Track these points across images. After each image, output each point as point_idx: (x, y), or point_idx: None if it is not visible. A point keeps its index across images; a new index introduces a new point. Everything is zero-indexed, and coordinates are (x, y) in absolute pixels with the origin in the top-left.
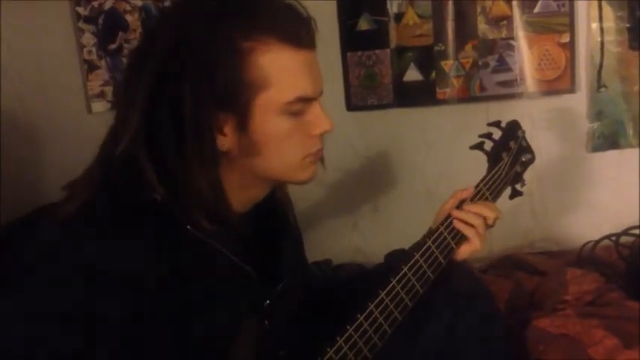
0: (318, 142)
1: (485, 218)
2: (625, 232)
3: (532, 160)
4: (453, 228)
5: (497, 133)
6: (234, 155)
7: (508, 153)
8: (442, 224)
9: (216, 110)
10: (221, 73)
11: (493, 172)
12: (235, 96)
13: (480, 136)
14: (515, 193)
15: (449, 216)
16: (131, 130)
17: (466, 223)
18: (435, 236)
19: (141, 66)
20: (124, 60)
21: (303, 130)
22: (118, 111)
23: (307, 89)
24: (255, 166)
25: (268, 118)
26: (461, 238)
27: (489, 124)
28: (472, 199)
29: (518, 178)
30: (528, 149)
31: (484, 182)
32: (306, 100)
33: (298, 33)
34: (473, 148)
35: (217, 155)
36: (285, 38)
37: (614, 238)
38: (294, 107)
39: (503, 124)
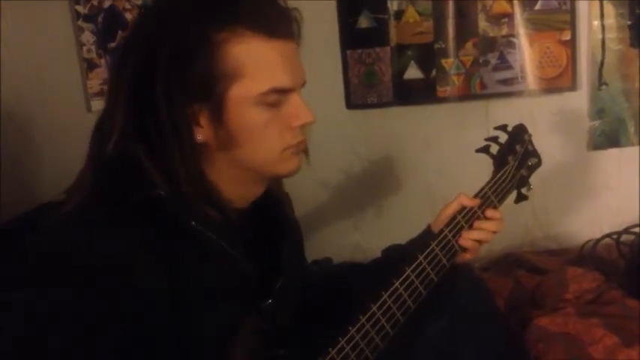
0: (298, 134)
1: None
2: (626, 231)
3: (538, 164)
4: (457, 232)
5: (503, 137)
6: (214, 147)
7: (514, 157)
8: (447, 227)
9: (190, 102)
10: (194, 65)
11: (499, 176)
12: (209, 87)
13: (486, 139)
14: (520, 197)
15: (453, 219)
16: (118, 126)
17: (475, 240)
18: (439, 239)
19: (123, 62)
20: None
21: (281, 121)
22: (105, 107)
23: (283, 80)
24: (236, 159)
25: (243, 109)
26: None
27: (496, 128)
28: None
29: (524, 181)
30: (534, 153)
31: (489, 186)
32: (282, 91)
33: (273, 23)
34: (479, 151)
35: (195, 147)
36: (259, 28)
37: (615, 237)
38: (269, 98)
39: (509, 128)
